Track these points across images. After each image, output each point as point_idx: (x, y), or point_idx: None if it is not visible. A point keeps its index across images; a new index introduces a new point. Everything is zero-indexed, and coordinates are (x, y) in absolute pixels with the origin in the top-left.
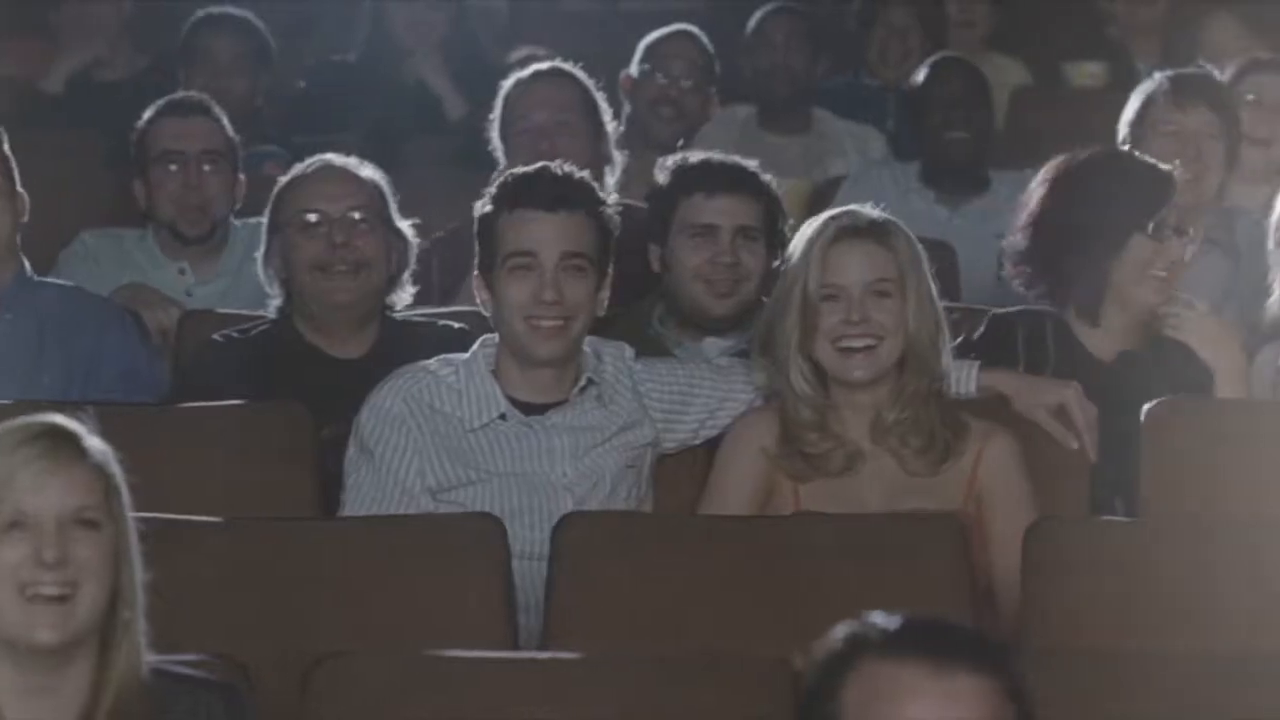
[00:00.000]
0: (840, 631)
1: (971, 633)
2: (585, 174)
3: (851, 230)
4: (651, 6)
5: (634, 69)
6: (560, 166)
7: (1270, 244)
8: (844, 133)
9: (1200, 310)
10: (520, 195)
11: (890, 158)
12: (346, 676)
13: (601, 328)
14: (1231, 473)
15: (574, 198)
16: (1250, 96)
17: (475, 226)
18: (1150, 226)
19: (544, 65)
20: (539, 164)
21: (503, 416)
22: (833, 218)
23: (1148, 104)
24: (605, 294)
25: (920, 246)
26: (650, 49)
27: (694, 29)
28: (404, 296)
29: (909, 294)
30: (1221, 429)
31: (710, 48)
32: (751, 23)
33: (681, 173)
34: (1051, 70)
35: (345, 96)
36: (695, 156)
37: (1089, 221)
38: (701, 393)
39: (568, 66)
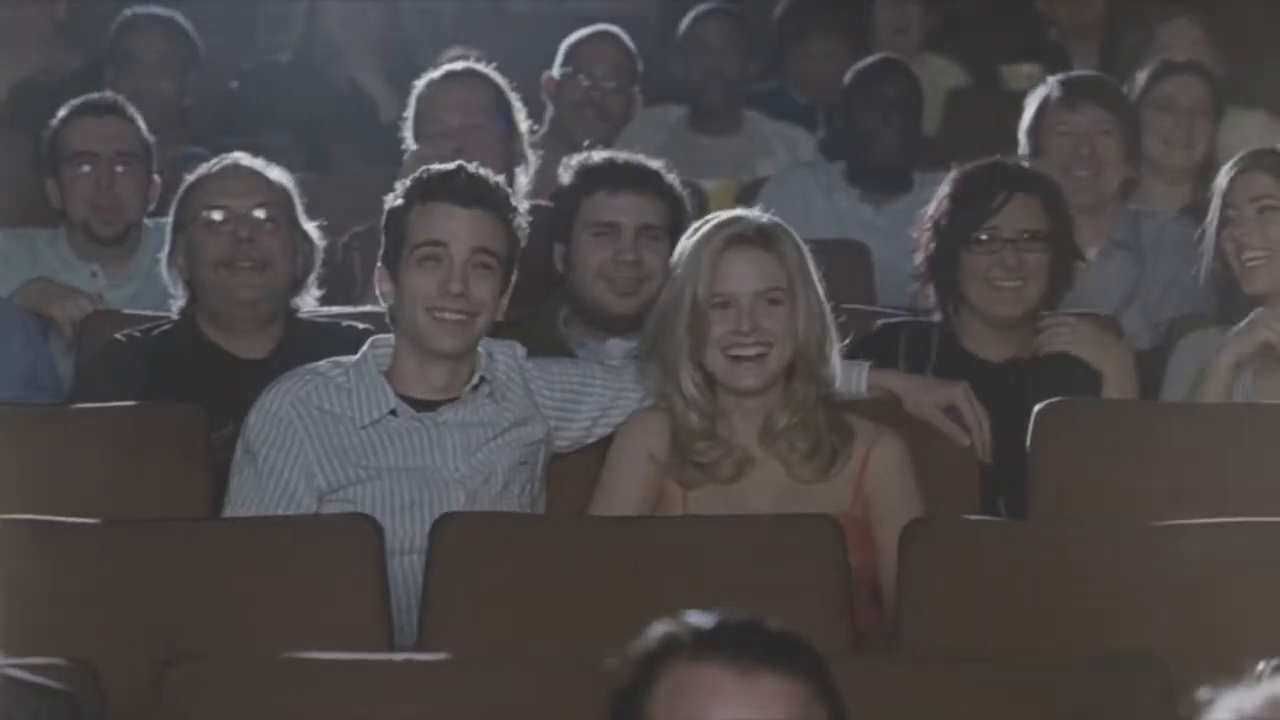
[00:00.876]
0: (655, 631)
1: (783, 634)
2: (500, 179)
3: (740, 238)
4: (601, 7)
5: (555, 71)
6: (476, 167)
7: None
8: (774, 134)
9: (1071, 321)
10: (435, 189)
11: (819, 158)
12: (200, 679)
13: (506, 329)
14: (1119, 475)
15: (488, 198)
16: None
17: (384, 219)
18: (973, 241)
19: (457, 65)
20: (455, 162)
21: (393, 413)
22: (721, 225)
23: (1041, 109)
24: (505, 301)
25: (807, 250)
26: (572, 51)
27: (616, 29)
28: (309, 300)
29: (798, 300)
30: (1111, 431)
31: (633, 48)
32: (683, 25)
33: (585, 172)
34: (990, 72)
35: (277, 97)
36: (599, 155)
37: (933, 236)
38: (593, 391)
39: (480, 66)
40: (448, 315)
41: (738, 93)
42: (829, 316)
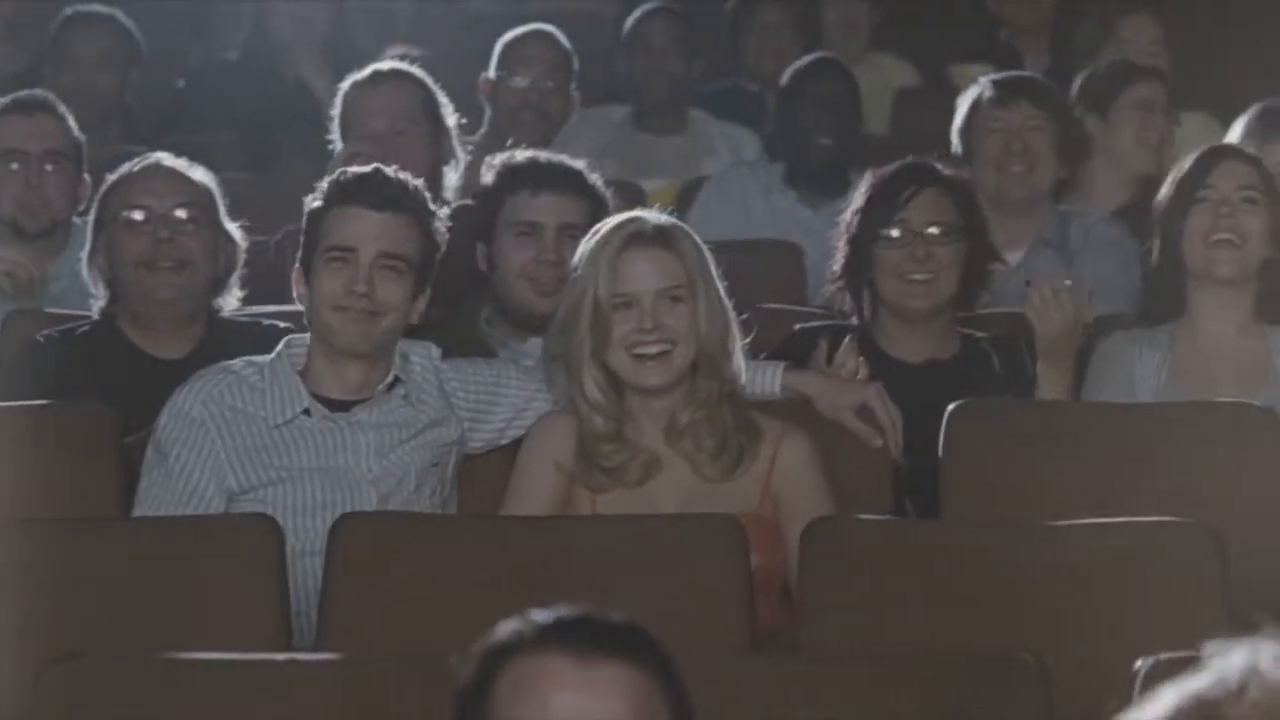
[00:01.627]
0: (499, 629)
1: (623, 625)
2: (420, 183)
3: (639, 237)
4: (560, 7)
5: (491, 72)
6: (395, 171)
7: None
8: (719, 134)
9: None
10: (349, 193)
11: (763, 158)
12: (77, 679)
13: (427, 329)
14: (1030, 475)
15: (403, 202)
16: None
17: (304, 221)
18: (884, 238)
19: (383, 66)
20: (373, 165)
21: (307, 412)
22: (619, 225)
23: (974, 108)
24: (422, 304)
25: (706, 249)
26: (507, 51)
27: (550, 29)
28: (231, 300)
29: (699, 297)
30: (1022, 432)
31: (568, 47)
32: (628, 24)
33: (507, 171)
34: (939, 71)
35: (224, 95)
36: (521, 155)
37: (848, 239)
38: (508, 392)
39: (405, 66)
40: (352, 312)
41: (683, 92)
42: (731, 313)
